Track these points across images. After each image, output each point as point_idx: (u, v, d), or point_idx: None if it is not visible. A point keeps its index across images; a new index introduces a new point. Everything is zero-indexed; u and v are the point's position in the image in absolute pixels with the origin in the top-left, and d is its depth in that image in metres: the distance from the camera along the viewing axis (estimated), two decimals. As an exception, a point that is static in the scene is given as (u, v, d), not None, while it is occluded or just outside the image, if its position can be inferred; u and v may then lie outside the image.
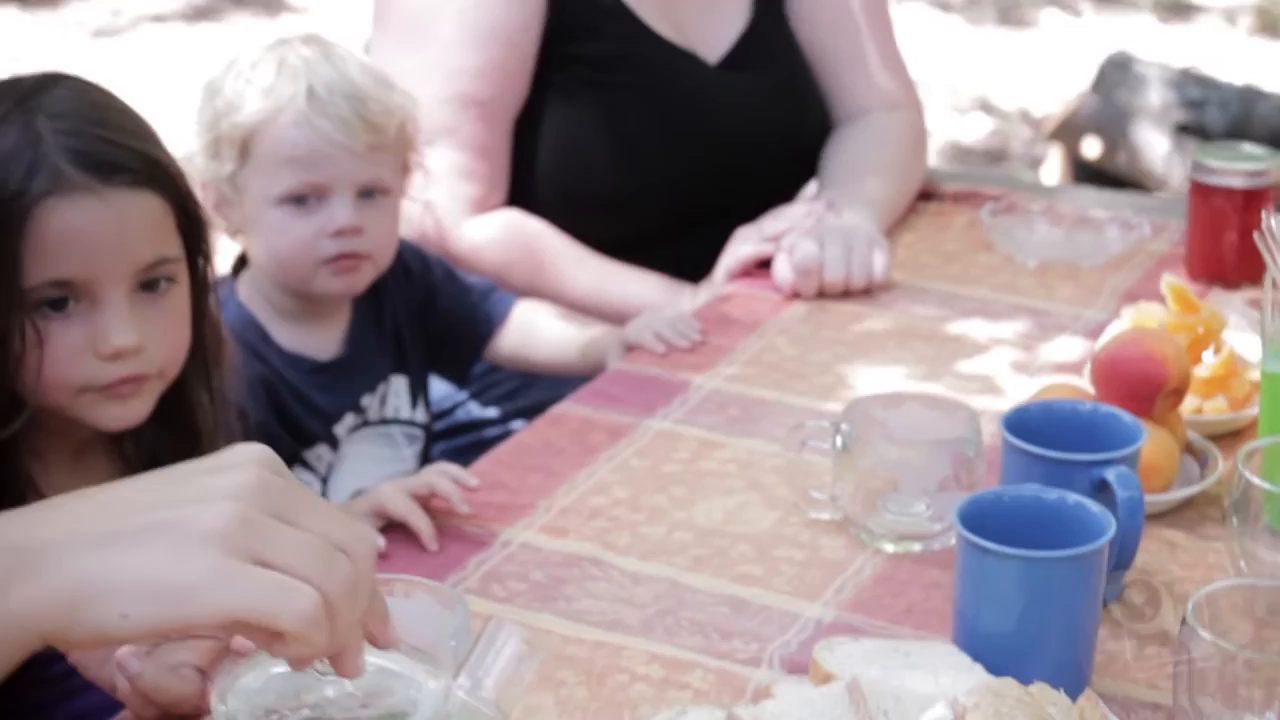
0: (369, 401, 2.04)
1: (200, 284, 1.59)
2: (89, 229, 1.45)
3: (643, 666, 1.42)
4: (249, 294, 2.01)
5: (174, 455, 1.62)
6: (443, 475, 1.63)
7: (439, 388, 2.27)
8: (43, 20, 6.75)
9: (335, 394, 2.02)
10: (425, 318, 2.12)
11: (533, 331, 2.15)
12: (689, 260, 2.30)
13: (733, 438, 1.80)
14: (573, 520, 1.64)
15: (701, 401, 1.89)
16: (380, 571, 1.45)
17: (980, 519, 1.37)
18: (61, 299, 1.47)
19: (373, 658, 1.01)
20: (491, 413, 2.31)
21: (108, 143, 1.47)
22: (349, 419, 2.02)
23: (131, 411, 1.53)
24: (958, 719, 1.12)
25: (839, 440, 1.60)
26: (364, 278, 1.98)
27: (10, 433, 1.47)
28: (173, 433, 1.58)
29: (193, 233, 1.55)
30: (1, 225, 1.42)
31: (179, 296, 1.55)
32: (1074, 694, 1.31)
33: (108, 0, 6.95)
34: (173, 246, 1.53)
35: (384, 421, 2.07)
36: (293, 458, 1.96)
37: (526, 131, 2.32)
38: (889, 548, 1.59)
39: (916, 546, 1.58)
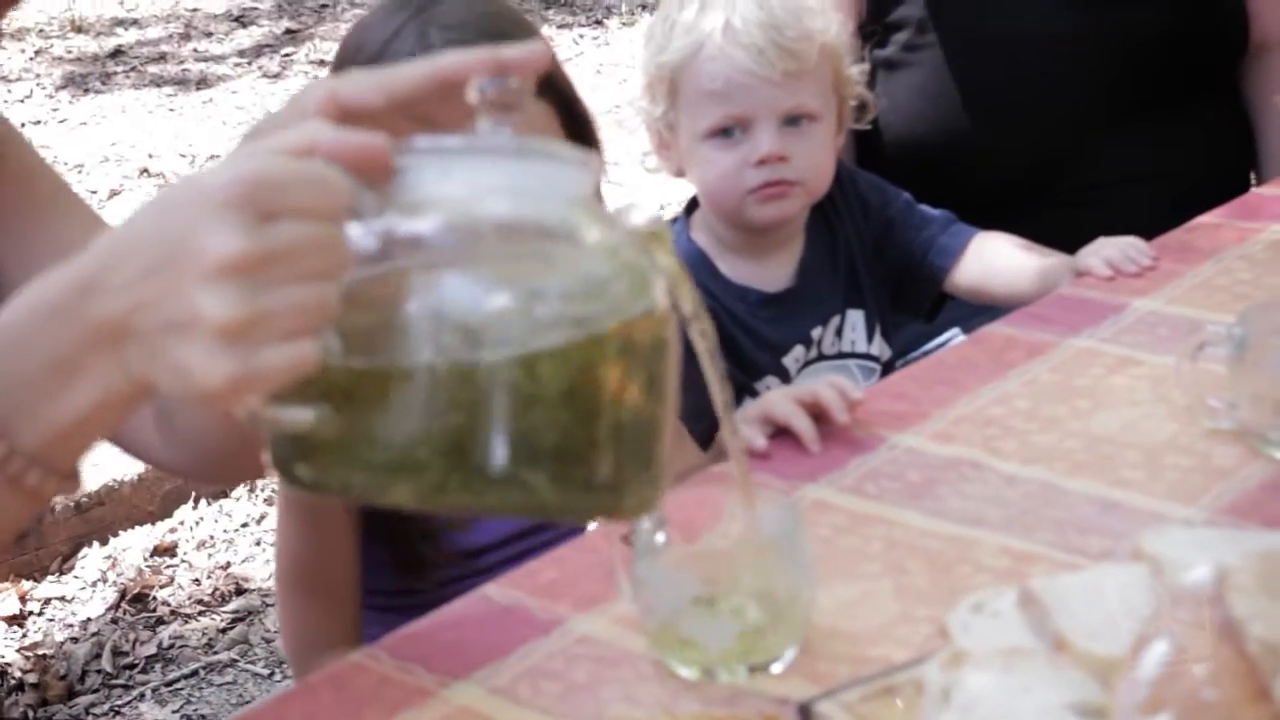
0: (820, 334, 2.08)
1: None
2: None
3: (990, 559, 1.41)
4: (701, 232, 2.09)
5: None
6: (829, 385, 1.66)
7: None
8: None
9: (784, 326, 2.07)
10: (883, 251, 2.14)
11: (991, 262, 2.13)
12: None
13: (1154, 355, 1.75)
14: (964, 428, 1.64)
15: (1135, 322, 1.85)
16: (761, 472, 1.52)
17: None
18: None
19: None
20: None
21: None
22: (798, 351, 2.07)
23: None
24: (1221, 580, 1.07)
25: (1235, 345, 1.54)
26: (794, 204, 2.02)
27: None
28: None
29: (580, 135, 1.63)
30: None
31: None
32: None
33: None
34: None
35: (840, 355, 2.11)
36: (741, 389, 2.02)
37: None
38: (1282, 455, 1.51)
39: (1314, 453, 1.50)
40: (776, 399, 1.65)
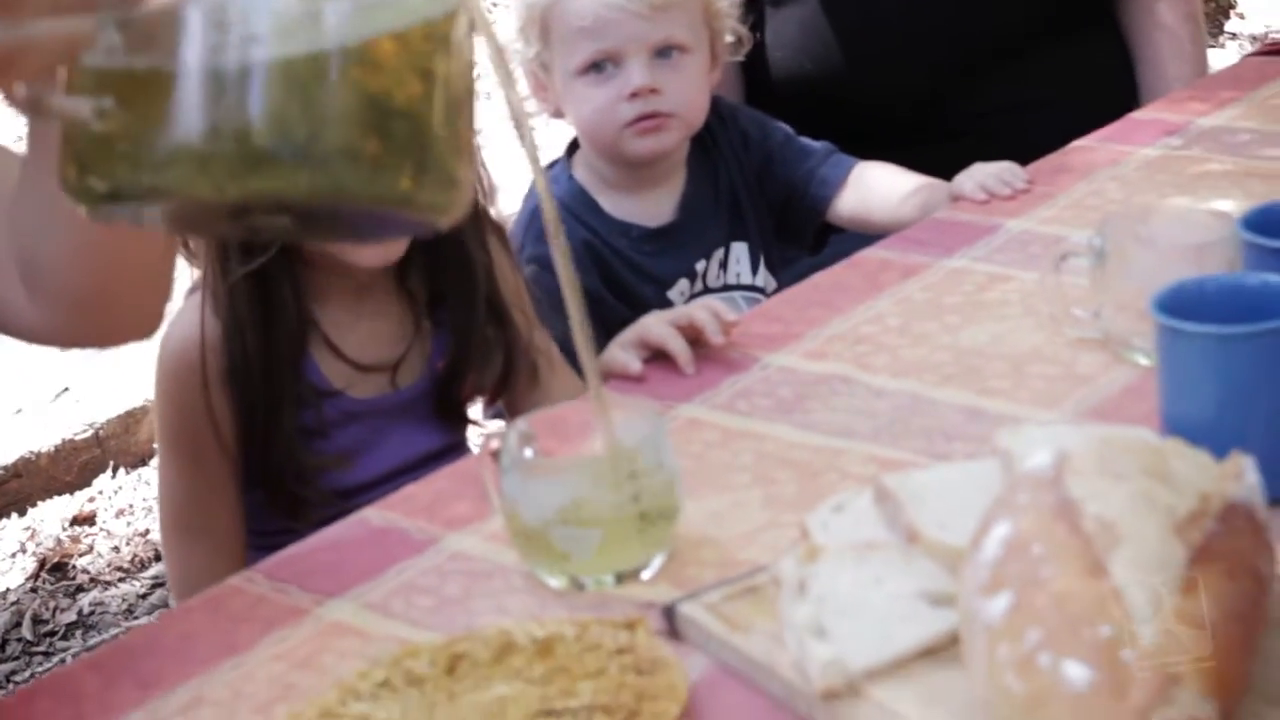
0: (704, 267, 2.11)
1: None
2: None
3: (858, 466, 1.44)
4: (582, 170, 2.11)
5: (455, 290, 1.75)
6: (704, 308, 1.68)
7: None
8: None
9: (667, 260, 2.09)
10: (764, 184, 2.17)
11: (871, 190, 2.15)
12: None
13: (1024, 271, 1.79)
14: (836, 346, 1.67)
15: (1007, 241, 1.88)
16: (638, 395, 1.54)
17: (1182, 308, 1.33)
18: None
19: None
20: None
21: None
22: (683, 284, 2.10)
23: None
24: (1060, 464, 1.10)
25: (1096, 255, 1.57)
26: (671, 137, 2.04)
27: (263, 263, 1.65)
28: (449, 267, 1.71)
29: None
30: None
31: None
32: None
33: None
34: None
35: (725, 288, 2.14)
36: (625, 324, 2.04)
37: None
38: (1144, 361, 1.55)
39: (1173, 357, 1.54)
40: (652, 322, 1.68)
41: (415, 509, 1.45)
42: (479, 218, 1.79)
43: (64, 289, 1.30)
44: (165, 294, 1.36)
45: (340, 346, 1.77)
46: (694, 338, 1.67)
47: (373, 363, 1.80)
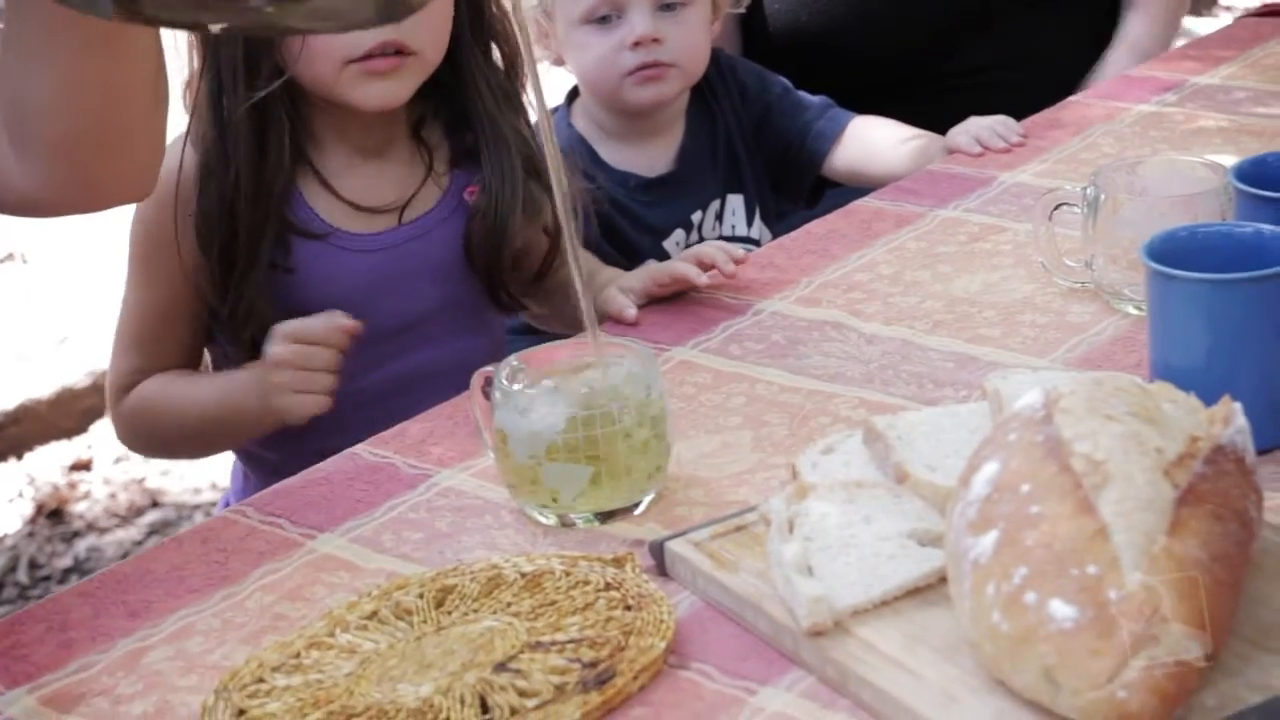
0: (700, 218, 2.11)
1: None
2: None
3: (848, 410, 1.45)
4: (581, 119, 2.11)
5: (455, 146, 1.71)
6: (713, 245, 1.70)
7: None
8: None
9: (664, 210, 2.09)
10: (761, 136, 2.17)
11: (867, 144, 2.15)
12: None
13: (1017, 223, 1.79)
14: (830, 293, 1.67)
15: (1001, 193, 1.89)
16: (632, 338, 1.55)
17: (1173, 256, 1.33)
18: None
19: None
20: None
21: None
22: (678, 234, 2.10)
23: (392, 90, 1.65)
24: (1050, 404, 1.11)
25: (1089, 205, 1.57)
26: (671, 86, 2.04)
27: (268, 94, 1.62)
28: (451, 120, 1.72)
29: None
30: None
31: None
32: (1273, 440, 1.27)
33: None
34: None
35: (721, 238, 2.13)
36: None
37: None
38: (1135, 311, 1.55)
39: (1164, 307, 1.54)
40: (656, 264, 1.69)
41: (406, 445, 1.45)
42: (510, 94, 1.76)
43: (51, 137, 1.25)
44: (158, 147, 1.31)
45: (338, 188, 1.73)
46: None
47: (375, 205, 1.74)
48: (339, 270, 1.72)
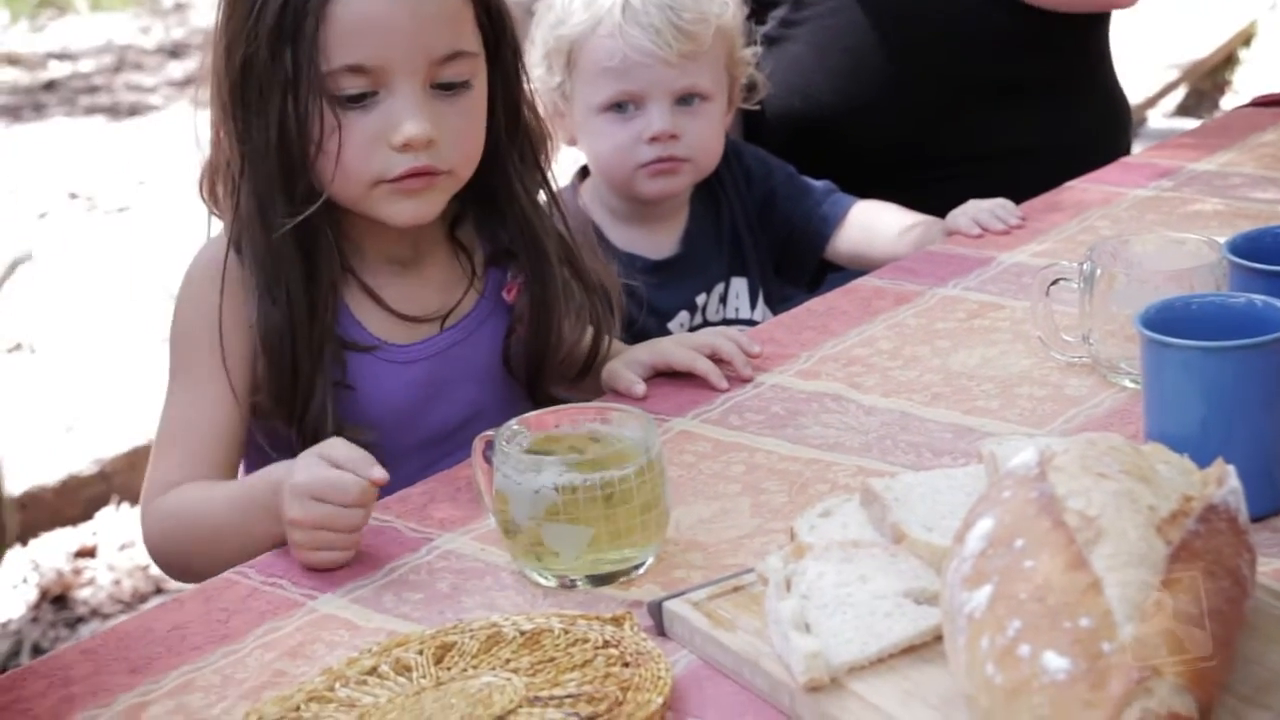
0: (704, 300, 2.13)
1: (508, 78, 1.67)
2: (385, 14, 1.55)
3: (846, 478, 1.46)
4: (589, 199, 2.14)
5: (489, 242, 1.72)
6: (725, 337, 1.71)
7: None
8: None
9: (669, 292, 2.11)
10: (766, 221, 2.20)
11: (869, 228, 2.18)
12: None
13: (1016, 300, 1.81)
14: (829, 366, 1.69)
15: (1001, 273, 1.91)
16: (634, 406, 1.56)
17: (1168, 325, 1.35)
18: (359, 95, 1.56)
19: None
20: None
21: None
22: (683, 316, 2.12)
23: (422, 208, 1.61)
24: (1044, 463, 1.12)
25: (1085, 280, 1.59)
26: (683, 180, 2.07)
27: (306, 215, 1.57)
28: (482, 215, 1.70)
29: (495, 30, 1.63)
30: (304, 8, 1.54)
31: (475, 99, 1.62)
32: (1267, 507, 1.28)
33: None
34: (470, 42, 1.61)
35: (724, 322, 2.15)
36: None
37: None
38: (1129, 384, 1.57)
39: (1160, 380, 1.55)
40: (670, 346, 1.70)
41: (408, 509, 1.46)
42: (540, 172, 1.74)
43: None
44: None
45: (384, 298, 1.67)
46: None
47: (419, 314, 1.69)
48: (390, 383, 1.68)
